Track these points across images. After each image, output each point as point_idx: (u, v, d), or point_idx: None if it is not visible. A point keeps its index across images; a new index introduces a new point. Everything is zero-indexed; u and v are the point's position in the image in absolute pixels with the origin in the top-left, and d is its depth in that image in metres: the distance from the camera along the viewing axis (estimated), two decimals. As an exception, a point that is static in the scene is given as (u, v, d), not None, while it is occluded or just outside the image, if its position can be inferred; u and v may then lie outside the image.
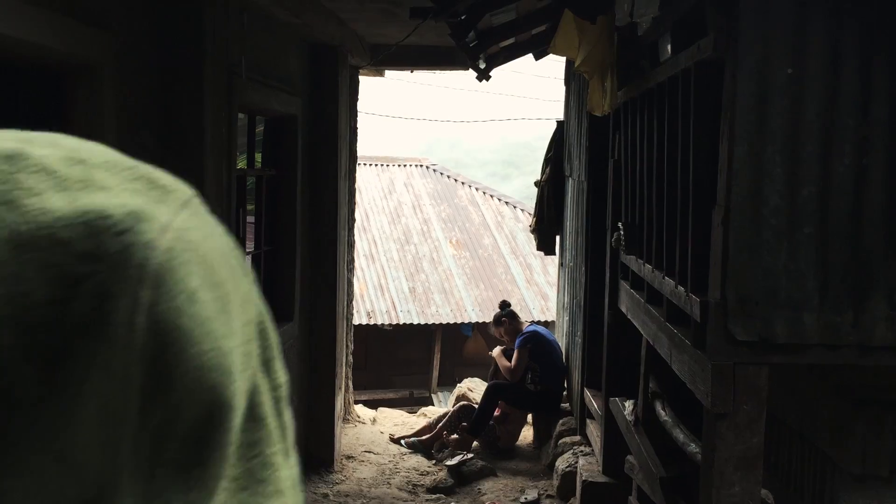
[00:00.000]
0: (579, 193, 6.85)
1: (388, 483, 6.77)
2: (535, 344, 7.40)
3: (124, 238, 0.31)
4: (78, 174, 0.34)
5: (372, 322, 13.29)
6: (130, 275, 0.31)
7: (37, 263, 0.30)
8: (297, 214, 6.27)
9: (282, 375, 0.41)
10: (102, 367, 0.30)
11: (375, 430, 8.28)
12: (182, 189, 0.37)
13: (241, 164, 5.54)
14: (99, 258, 0.30)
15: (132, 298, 0.30)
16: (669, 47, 3.55)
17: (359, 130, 8.26)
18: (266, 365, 0.39)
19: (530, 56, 7.42)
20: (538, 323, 9.32)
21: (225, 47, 4.32)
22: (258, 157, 6.09)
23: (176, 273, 0.32)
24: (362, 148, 8.71)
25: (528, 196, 11.27)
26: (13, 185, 0.32)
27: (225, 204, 4.42)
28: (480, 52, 6.40)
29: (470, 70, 7.12)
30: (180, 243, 0.33)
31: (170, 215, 0.34)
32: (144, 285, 0.31)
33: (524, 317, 9.49)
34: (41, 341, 0.29)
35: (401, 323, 13.50)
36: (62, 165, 0.34)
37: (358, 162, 8.30)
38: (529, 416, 7.69)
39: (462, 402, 8.04)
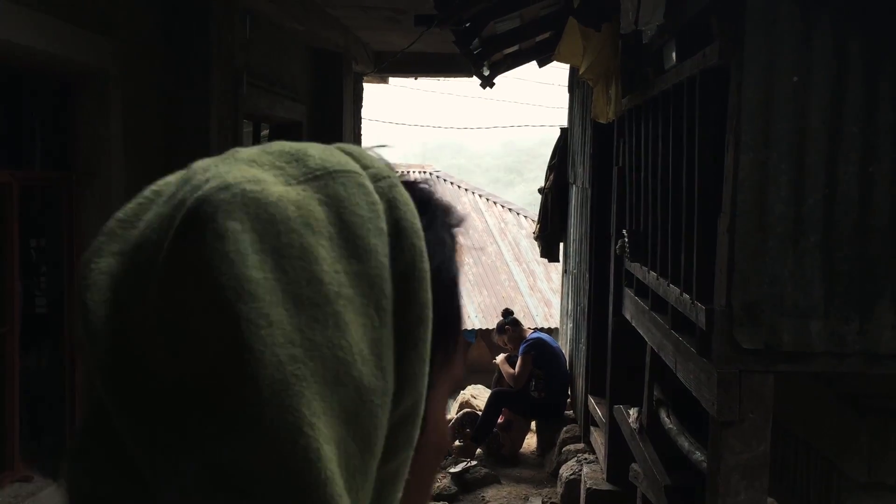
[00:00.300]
0: (583, 200, 6.86)
1: (391, 490, 6.75)
2: (539, 351, 7.39)
3: (197, 194, 0.41)
4: (245, 156, 0.45)
5: (375, 329, 13.27)
6: (181, 218, 0.41)
7: (166, 217, 0.42)
8: (301, 221, 6.28)
9: (420, 334, 0.45)
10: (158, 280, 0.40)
11: (379, 437, 8.26)
12: (323, 170, 0.44)
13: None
14: (182, 208, 0.41)
15: (174, 233, 0.41)
16: (674, 55, 3.56)
17: (363, 137, 8.27)
18: (400, 318, 0.44)
19: (534, 63, 7.44)
20: (542, 330, 9.30)
21: (230, 54, 4.33)
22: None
23: (213, 217, 0.40)
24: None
25: (532, 203, 11.27)
26: (199, 173, 0.44)
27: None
28: (484, 60, 6.41)
29: (474, 77, 7.14)
30: (237, 198, 0.41)
31: (248, 191, 0.42)
32: (184, 225, 0.40)
33: (527, 324, 9.48)
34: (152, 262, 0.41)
35: (404, 329, 13.48)
36: (250, 154, 0.45)
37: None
38: (533, 424, 7.68)
39: (465, 410, 8.03)
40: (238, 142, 4.63)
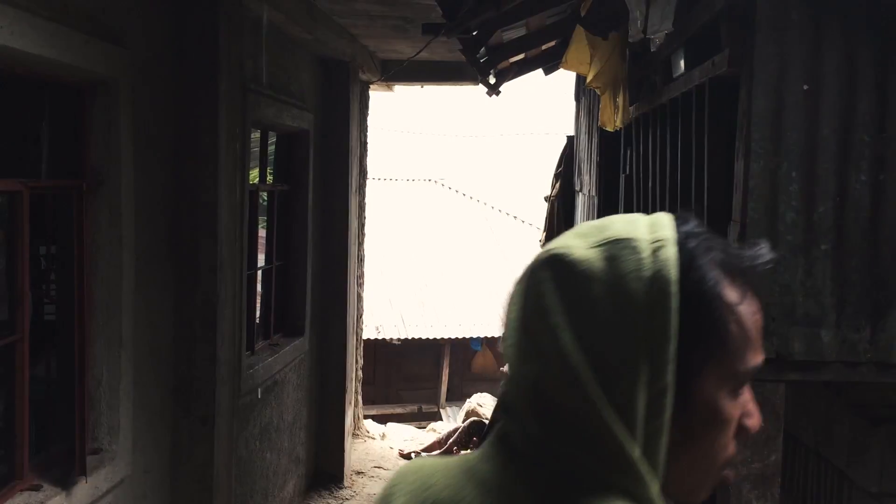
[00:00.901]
0: (590, 209, 6.85)
1: (397, 499, 6.73)
2: (546, 359, 7.37)
3: (537, 254, 0.79)
4: (577, 229, 0.78)
5: (381, 336, 13.27)
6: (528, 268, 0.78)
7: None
8: (309, 229, 6.28)
9: (663, 343, 0.71)
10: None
11: (385, 446, 8.24)
12: (610, 238, 0.74)
13: (253, 178, 5.56)
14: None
15: (525, 277, 0.79)
16: (682, 63, 3.55)
17: (370, 146, 8.28)
18: (651, 331, 0.71)
19: (540, 71, 7.44)
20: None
21: (239, 63, 4.35)
22: (268, 171, 6.11)
23: (536, 268, 0.77)
24: (374, 164, 8.74)
25: (538, 211, 11.27)
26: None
27: (238, 218, 4.43)
28: (491, 68, 6.42)
29: (480, 85, 7.14)
30: (549, 257, 0.76)
31: (559, 252, 0.75)
32: (526, 272, 0.78)
33: (534, 332, 9.44)
34: None
35: (409, 337, 13.48)
36: (580, 227, 0.78)
37: (369, 177, 8.32)
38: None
39: (472, 418, 8.01)
40: (246, 150, 4.64)
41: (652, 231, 0.75)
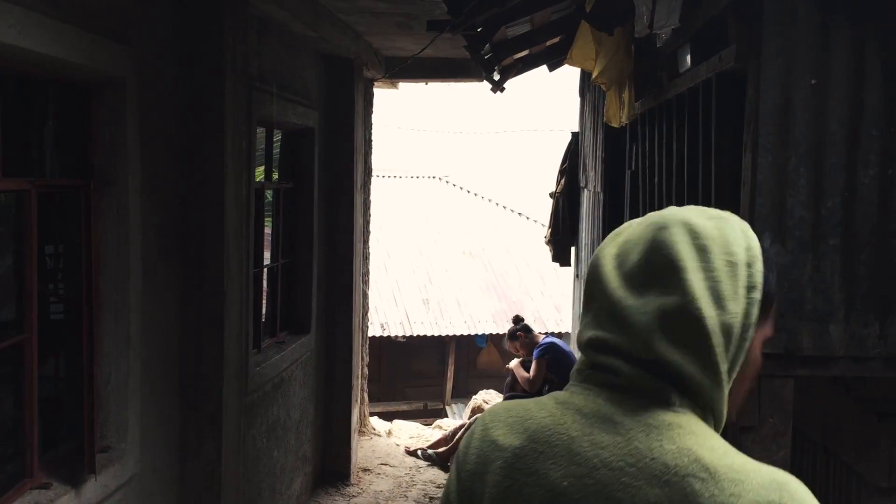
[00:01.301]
0: (595, 205, 6.84)
1: (404, 496, 6.74)
2: (553, 355, 7.37)
3: (665, 217, 1.05)
4: (688, 207, 1.07)
5: (386, 334, 13.28)
6: (655, 225, 1.04)
7: (645, 227, 1.08)
8: (314, 227, 6.28)
9: (754, 293, 1.02)
10: None
11: (391, 443, 8.25)
12: (719, 215, 1.05)
13: (259, 176, 5.56)
14: (656, 222, 1.07)
15: (651, 231, 1.05)
16: (689, 58, 3.55)
17: (375, 143, 8.28)
18: (748, 283, 1.01)
19: (544, 67, 7.43)
20: (552, 335, 9.28)
21: (244, 61, 4.35)
22: (273, 169, 6.11)
23: (667, 225, 1.03)
24: (379, 161, 8.74)
25: (543, 207, 11.26)
26: (661, 212, 1.10)
27: (244, 216, 4.43)
28: (495, 65, 6.41)
29: (484, 81, 7.14)
30: (679, 219, 1.03)
31: (685, 218, 1.03)
32: (655, 227, 1.05)
33: (538, 328, 9.45)
34: None
35: (414, 334, 13.48)
36: (690, 207, 1.07)
37: (374, 174, 8.32)
38: (546, 429, 7.63)
39: (478, 415, 8.00)
40: (251, 148, 4.64)
41: (740, 217, 1.08)
